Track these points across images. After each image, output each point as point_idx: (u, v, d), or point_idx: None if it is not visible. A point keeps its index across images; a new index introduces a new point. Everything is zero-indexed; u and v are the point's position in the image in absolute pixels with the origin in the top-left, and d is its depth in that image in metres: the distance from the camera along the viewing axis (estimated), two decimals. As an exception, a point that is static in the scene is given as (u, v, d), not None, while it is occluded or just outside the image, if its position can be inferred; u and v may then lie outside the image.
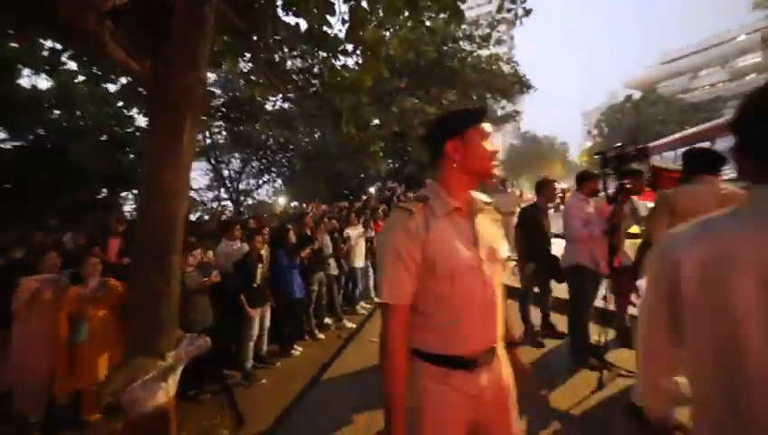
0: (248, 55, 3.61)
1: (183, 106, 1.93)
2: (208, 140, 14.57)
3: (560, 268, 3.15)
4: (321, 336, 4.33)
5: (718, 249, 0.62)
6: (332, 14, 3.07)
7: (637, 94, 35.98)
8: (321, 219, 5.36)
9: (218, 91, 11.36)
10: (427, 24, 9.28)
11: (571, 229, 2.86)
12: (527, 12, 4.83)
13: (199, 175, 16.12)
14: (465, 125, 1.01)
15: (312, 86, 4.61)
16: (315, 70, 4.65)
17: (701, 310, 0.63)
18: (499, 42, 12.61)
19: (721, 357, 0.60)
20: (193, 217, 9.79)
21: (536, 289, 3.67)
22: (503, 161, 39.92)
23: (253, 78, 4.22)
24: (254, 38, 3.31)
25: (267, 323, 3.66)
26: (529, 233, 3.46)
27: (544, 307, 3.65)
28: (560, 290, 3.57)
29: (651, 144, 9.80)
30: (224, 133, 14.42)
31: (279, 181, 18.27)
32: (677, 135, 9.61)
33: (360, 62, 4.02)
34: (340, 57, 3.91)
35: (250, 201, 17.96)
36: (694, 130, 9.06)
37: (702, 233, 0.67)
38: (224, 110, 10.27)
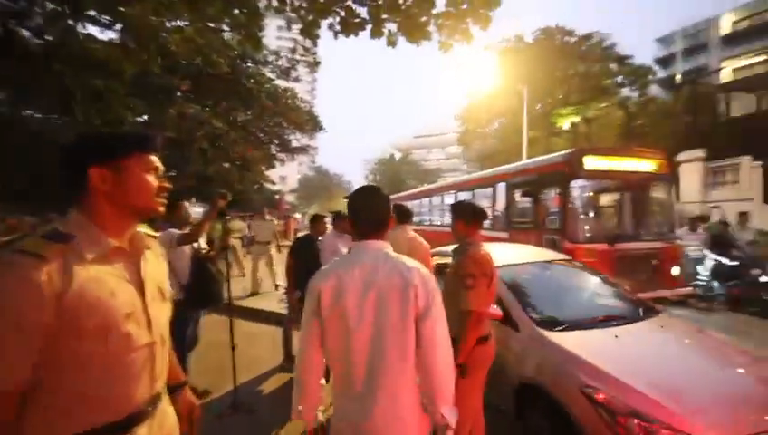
0: None
1: None
2: None
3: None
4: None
5: (338, 279, 1.12)
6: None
7: (398, 154, 47.66)
8: None
9: None
10: (225, 36, 8.73)
11: (324, 261, 3.32)
12: (316, 63, 5.44)
13: None
14: (121, 152, 0.83)
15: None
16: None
17: (332, 318, 1.11)
18: (297, 79, 13.50)
19: (342, 342, 1.11)
20: None
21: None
22: (296, 190, 41.76)
23: None
24: None
25: None
26: (299, 261, 3.66)
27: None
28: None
29: (397, 195, 13.06)
30: None
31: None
32: (412, 191, 13.29)
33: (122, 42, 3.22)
34: (89, 25, 2.98)
35: None
36: (417, 190, 12.80)
37: (332, 270, 1.18)
38: None
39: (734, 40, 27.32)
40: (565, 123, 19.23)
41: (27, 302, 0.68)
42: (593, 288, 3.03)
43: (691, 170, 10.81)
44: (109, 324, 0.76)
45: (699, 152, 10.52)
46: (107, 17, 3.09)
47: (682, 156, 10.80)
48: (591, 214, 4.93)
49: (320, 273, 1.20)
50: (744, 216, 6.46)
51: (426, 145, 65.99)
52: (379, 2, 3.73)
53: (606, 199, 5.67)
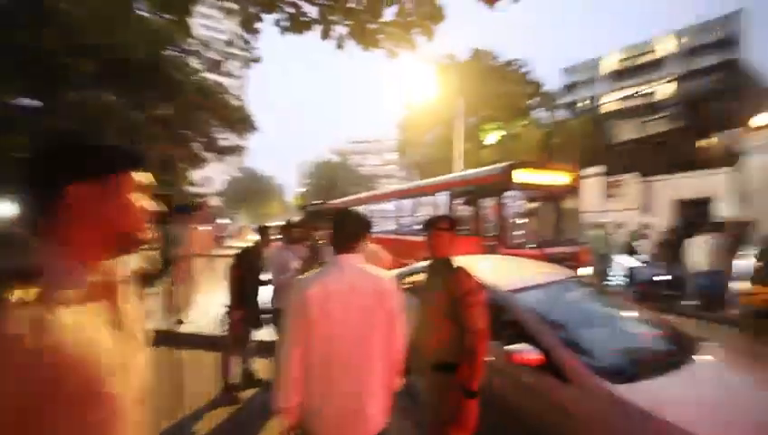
0: None
1: None
2: None
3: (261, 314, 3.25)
4: None
5: (324, 288, 1.30)
6: None
7: (336, 159, 47.18)
8: None
9: None
10: (142, 13, 7.63)
11: (273, 275, 3.07)
12: (255, 59, 5.06)
13: None
14: (111, 167, 0.70)
15: None
16: None
17: (317, 322, 1.26)
18: (229, 74, 12.46)
19: (324, 344, 1.27)
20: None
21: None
22: (223, 192, 38.46)
23: None
24: None
25: None
26: (242, 278, 3.28)
27: (245, 357, 3.53)
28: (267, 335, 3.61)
29: (334, 201, 12.88)
30: None
31: None
32: (353, 197, 13.19)
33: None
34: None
35: None
36: (356, 196, 12.78)
37: (317, 279, 1.34)
38: None
39: (620, 75, 33.05)
40: (490, 138, 21.11)
41: None
42: (624, 314, 2.62)
43: (592, 184, 12.68)
44: (91, 384, 0.59)
45: (600, 169, 12.39)
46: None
47: (586, 171, 12.61)
48: (522, 222, 5.41)
49: (306, 280, 1.36)
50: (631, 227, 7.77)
51: (362, 151, 66.71)
52: (330, 3, 3.62)
53: (532, 208, 6.30)
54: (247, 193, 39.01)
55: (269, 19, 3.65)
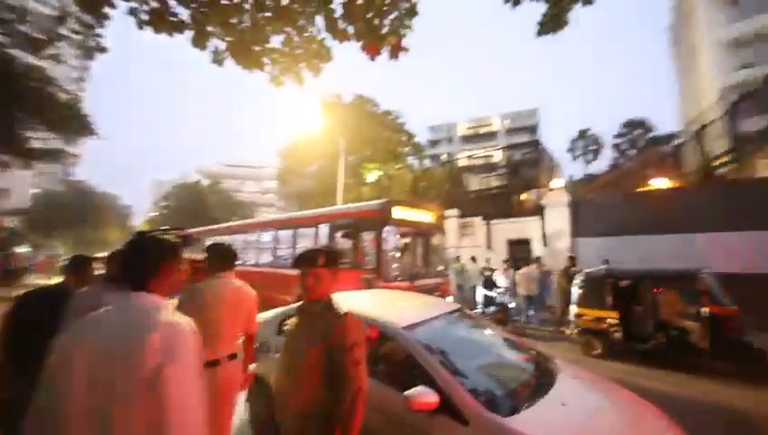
0: None
1: None
2: None
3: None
4: None
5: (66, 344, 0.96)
6: None
7: (205, 181, 41.74)
8: None
9: None
10: None
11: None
12: (100, 49, 4.10)
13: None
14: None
15: None
16: None
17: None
18: (58, 59, 9.73)
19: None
20: None
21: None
22: (24, 210, 28.18)
23: None
24: None
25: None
26: (18, 333, 2.03)
27: None
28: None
29: (195, 230, 11.25)
30: None
31: None
32: (222, 225, 11.69)
33: None
34: None
35: None
36: (228, 224, 11.49)
37: (84, 324, 1.00)
38: None
39: (468, 138, 41.34)
40: (371, 176, 22.71)
41: None
42: (498, 342, 2.70)
43: (450, 224, 14.88)
44: None
45: (456, 211, 14.66)
46: None
47: (446, 213, 14.77)
48: (398, 255, 5.76)
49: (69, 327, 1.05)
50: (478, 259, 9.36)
51: (239, 176, 61.38)
52: (204, 10, 3.28)
53: (405, 243, 6.84)
54: (71, 213, 29.56)
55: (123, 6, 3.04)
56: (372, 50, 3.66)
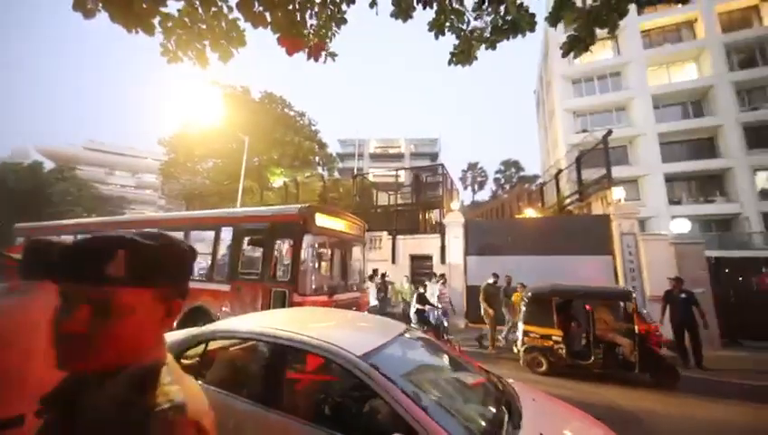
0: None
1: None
2: None
3: None
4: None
5: None
6: None
7: (50, 164, 32.56)
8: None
9: None
10: None
11: None
12: None
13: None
14: None
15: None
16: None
17: None
18: None
19: None
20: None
21: None
22: None
23: None
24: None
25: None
26: None
27: None
28: None
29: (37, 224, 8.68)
30: None
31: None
32: (73, 221, 9.18)
33: None
34: None
35: None
36: (84, 221, 9.13)
37: None
38: None
39: (377, 156, 43.16)
40: (278, 181, 21.34)
41: None
42: (454, 368, 2.54)
43: (359, 236, 15.06)
44: None
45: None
46: None
47: (355, 225, 14.88)
48: (316, 267, 5.35)
49: None
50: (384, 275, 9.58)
51: (107, 163, 49.86)
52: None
53: (324, 254, 6.46)
54: None
55: None
56: (291, 45, 3.33)
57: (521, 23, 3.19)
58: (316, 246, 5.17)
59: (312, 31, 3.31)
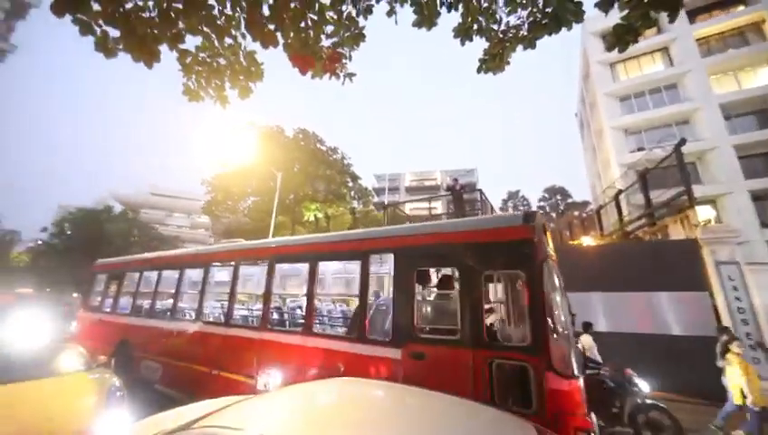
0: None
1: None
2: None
3: None
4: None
5: None
6: None
7: (119, 207, 36.30)
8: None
9: None
10: None
11: None
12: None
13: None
14: None
15: None
16: None
17: None
18: None
19: None
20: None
21: None
22: None
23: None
24: None
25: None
26: None
27: None
28: None
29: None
30: None
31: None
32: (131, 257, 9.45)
33: None
34: None
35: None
36: (141, 256, 9.33)
37: None
38: None
39: (412, 189, 42.72)
40: (311, 216, 21.49)
41: None
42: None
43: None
44: None
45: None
46: None
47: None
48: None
49: None
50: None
51: (167, 207, 55.11)
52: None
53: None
54: None
55: None
56: (303, 63, 2.97)
57: (564, 13, 2.59)
58: (560, 280, 3.23)
59: (326, 52, 3.02)
